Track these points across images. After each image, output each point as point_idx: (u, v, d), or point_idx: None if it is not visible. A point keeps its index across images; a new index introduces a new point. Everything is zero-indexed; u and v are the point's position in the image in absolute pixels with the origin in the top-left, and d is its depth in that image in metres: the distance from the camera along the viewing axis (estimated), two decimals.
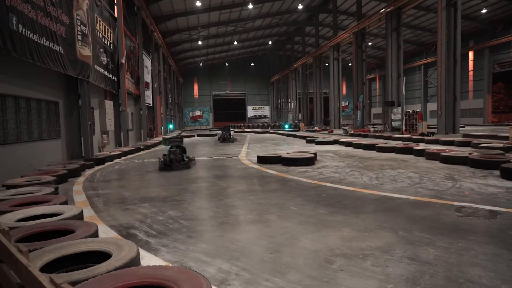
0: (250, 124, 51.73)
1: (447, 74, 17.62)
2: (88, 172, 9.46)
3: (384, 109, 34.73)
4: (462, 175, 7.26)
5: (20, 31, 7.42)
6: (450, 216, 4.42)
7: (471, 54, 36.71)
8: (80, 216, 3.96)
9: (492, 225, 4.08)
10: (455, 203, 5.01)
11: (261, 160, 10.31)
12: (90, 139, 11.86)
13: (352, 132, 24.37)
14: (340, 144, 16.17)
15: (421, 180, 6.87)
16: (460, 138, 15.24)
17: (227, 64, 57.17)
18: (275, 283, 2.73)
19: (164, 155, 9.77)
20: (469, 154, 8.99)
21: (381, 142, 14.57)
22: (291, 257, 3.26)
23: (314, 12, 36.38)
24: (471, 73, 37.07)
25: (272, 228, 4.15)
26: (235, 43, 43.44)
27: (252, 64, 58.45)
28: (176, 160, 9.61)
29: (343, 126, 31.95)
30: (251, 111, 61.20)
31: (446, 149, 11.07)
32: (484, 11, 30.38)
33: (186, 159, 9.99)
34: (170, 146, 10.38)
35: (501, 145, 11.56)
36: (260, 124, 50.51)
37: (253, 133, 33.41)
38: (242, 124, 51.61)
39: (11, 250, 1.87)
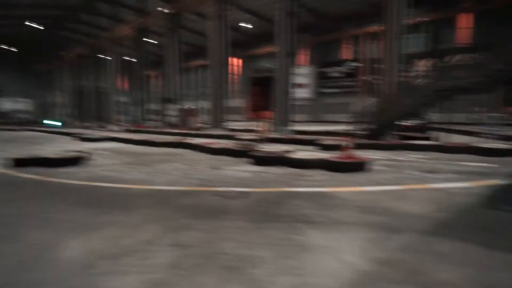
0: (5, 121, 42.35)
1: (215, 75, 19.82)
2: None
3: (162, 105, 35.62)
4: (224, 164, 8.34)
5: None
6: (211, 201, 4.98)
7: (236, 60, 42.72)
8: None
9: (243, 203, 4.86)
10: (216, 189, 5.69)
11: (17, 163, 8.58)
12: None
13: (130, 128, 23.83)
14: (117, 141, 15.49)
15: (190, 172, 7.44)
16: (226, 132, 17.52)
17: None
18: None
19: None
20: (232, 145, 10.45)
21: (158, 138, 14.91)
22: (45, 272, 2.86)
23: None
24: (236, 76, 43.20)
25: (24, 242, 3.52)
26: None
27: (12, 49, 47.73)
28: None
29: (120, 122, 30.81)
30: (7, 104, 50.22)
31: (214, 142, 12.44)
32: (244, 24, 35.70)
33: None
34: None
35: (255, 137, 14.03)
36: (21, 120, 42.15)
37: (9, 131, 27.45)
38: None
39: None
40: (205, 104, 39.59)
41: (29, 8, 34.49)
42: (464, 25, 26.51)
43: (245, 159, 8.92)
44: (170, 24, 23.20)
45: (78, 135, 18.19)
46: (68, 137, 19.46)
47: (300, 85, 37.68)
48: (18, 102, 51.16)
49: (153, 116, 40.91)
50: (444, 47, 27.54)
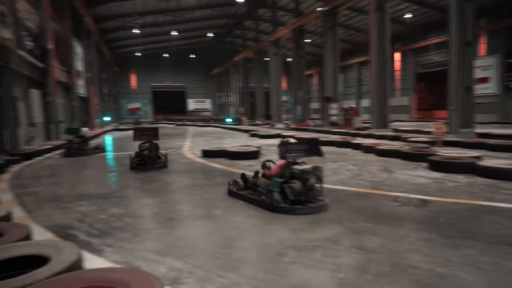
0: (192, 117, 50.80)
1: (378, 72, 18.82)
2: (15, 168, 8.55)
3: (322, 104, 36.12)
4: (395, 167, 7.80)
5: None
6: (388, 206, 4.73)
7: (397, 55, 39.68)
8: (7, 217, 3.54)
9: (424, 212, 4.43)
10: (392, 193, 5.37)
11: (206, 154, 10.14)
12: (14, 132, 10.72)
13: (293, 126, 25.04)
14: (282, 138, 16.49)
15: (360, 172, 7.26)
16: (391, 133, 16.39)
17: (166, 55, 55.22)
18: (229, 279, 2.68)
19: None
20: (400, 147, 9.71)
21: (321, 136, 15.16)
22: (243, 252, 3.24)
23: (253, 6, 36.54)
24: (398, 73, 40.12)
25: (221, 222, 4.10)
26: (175, 33, 42.14)
27: (192, 56, 57.09)
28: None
29: (283, 120, 32.69)
30: (192, 104, 60.00)
31: (380, 143, 11.83)
32: (408, 16, 32.86)
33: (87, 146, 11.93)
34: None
35: (426, 139, 12.66)
36: (201, 117, 49.84)
37: (195, 127, 32.81)
38: (183, 117, 50.65)
39: None
40: (366, 103, 38.33)
41: (205, 20, 40.17)
42: None
43: (418, 163, 8.16)
44: (327, 22, 23.23)
45: (248, 131, 20.29)
46: (239, 133, 21.89)
47: (481, 80, 32.14)
48: (200, 102, 60.42)
49: (314, 115, 41.99)
50: None
